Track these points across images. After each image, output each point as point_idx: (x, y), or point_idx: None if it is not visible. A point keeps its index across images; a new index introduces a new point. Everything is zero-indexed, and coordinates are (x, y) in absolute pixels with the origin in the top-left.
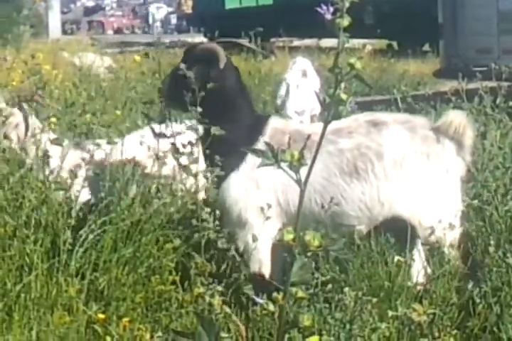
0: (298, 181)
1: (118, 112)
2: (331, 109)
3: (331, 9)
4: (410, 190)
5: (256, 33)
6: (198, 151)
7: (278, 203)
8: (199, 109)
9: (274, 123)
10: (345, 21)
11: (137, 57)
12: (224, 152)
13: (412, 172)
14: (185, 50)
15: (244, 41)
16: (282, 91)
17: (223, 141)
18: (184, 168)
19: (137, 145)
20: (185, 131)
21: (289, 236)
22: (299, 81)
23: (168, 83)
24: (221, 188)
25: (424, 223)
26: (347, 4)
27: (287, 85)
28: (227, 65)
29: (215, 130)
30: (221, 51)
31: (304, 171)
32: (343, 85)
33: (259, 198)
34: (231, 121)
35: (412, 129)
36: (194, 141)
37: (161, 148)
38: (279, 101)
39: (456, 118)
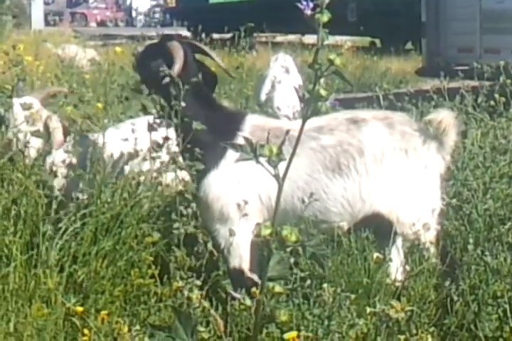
0: (276, 176)
1: (99, 105)
2: (310, 105)
3: (311, 5)
4: (389, 186)
5: (246, 28)
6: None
7: (259, 199)
8: (183, 104)
9: (253, 120)
10: (325, 17)
11: (119, 49)
12: (203, 148)
13: (391, 169)
14: (161, 38)
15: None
16: (267, 87)
17: (201, 138)
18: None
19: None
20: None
21: (266, 231)
22: (282, 77)
23: (142, 62)
24: (202, 184)
25: (402, 219)
26: (327, 0)
27: (272, 81)
28: (190, 63)
29: (196, 125)
30: (180, 53)
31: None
32: (322, 81)
33: (240, 194)
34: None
35: (391, 125)
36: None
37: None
38: (263, 97)
39: (446, 117)
